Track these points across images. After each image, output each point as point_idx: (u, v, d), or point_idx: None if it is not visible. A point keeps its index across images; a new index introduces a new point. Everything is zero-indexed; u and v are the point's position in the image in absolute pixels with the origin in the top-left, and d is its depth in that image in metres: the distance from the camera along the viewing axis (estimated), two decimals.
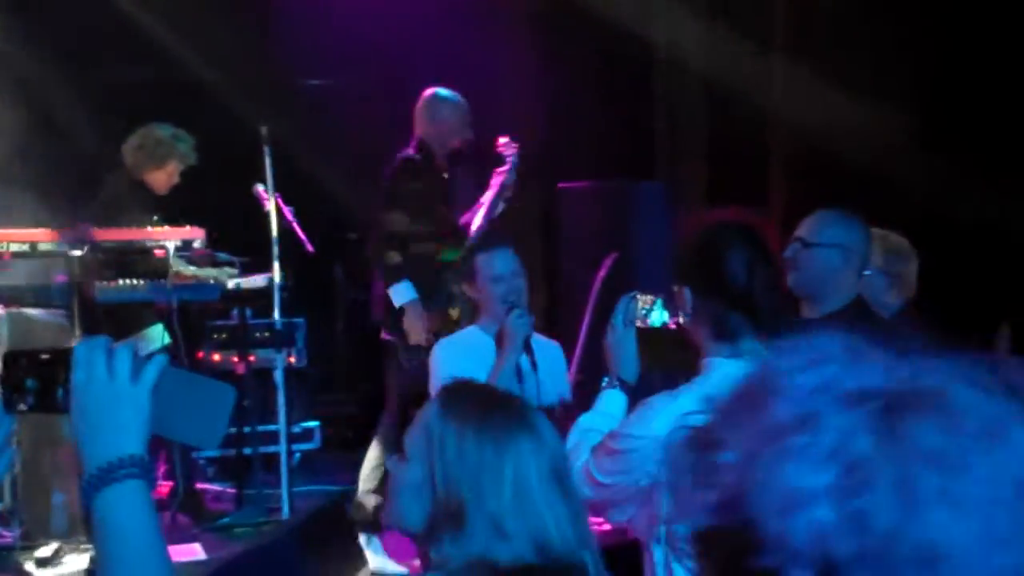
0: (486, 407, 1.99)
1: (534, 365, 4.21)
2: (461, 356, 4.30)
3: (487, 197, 5.94)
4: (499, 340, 4.29)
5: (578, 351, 6.01)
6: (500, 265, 4.37)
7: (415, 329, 5.49)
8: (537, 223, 7.96)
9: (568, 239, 7.33)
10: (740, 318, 2.64)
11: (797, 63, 7.14)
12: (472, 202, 6.04)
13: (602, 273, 6.18)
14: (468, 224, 5.88)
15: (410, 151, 5.79)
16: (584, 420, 2.96)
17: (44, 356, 1.62)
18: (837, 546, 0.79)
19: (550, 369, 4.43)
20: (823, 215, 3.74)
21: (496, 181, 5.96)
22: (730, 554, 0.84)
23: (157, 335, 5.99)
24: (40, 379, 1.61)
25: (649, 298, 2.99)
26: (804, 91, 7.00)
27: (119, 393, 1.55)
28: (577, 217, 7.06)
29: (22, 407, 1.61)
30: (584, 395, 3.58)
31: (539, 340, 4.47)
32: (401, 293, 5.50)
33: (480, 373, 3.93)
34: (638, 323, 2.98)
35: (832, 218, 3.72)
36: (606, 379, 2.99)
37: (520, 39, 8.23)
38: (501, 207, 5.99)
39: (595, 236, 6.95)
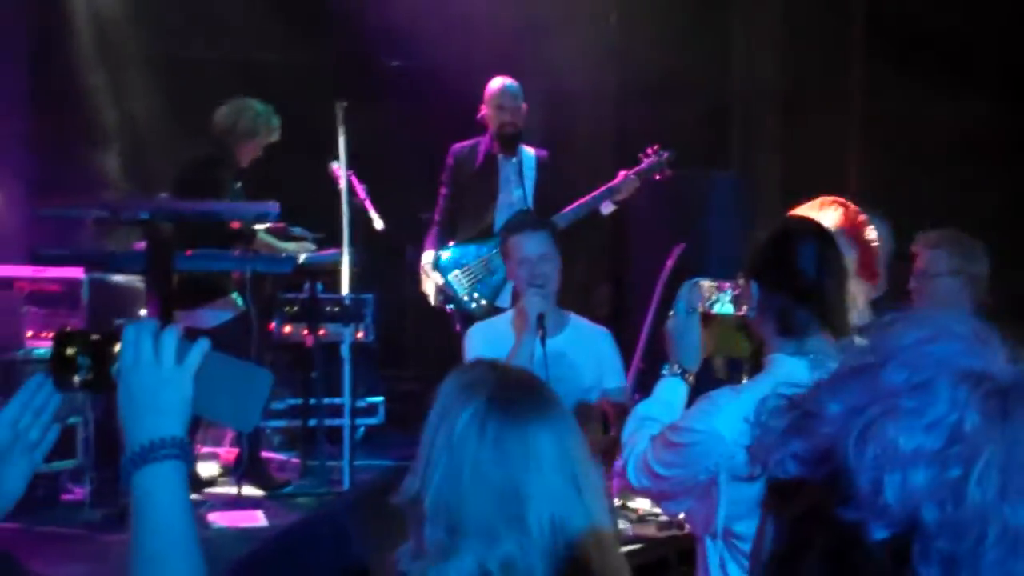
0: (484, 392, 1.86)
1: (543, 342, 4.10)
2: (490, 339, 4.30)
3: (596, 192, 6.23)
4: (518, 320, 4.29)
5: (642, 341, 6.02)
6: (528, 247, 4.30)
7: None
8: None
9: (637, 229, 7.31)
10: (807, 314, 2.61)
11: (876, 51, 7.06)
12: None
13: (669, 264, 6.17)
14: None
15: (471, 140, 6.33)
16: (642, 408, 2.92)
17: (95, 336, 1.69)
18: (926, 510, 0.81)
19: (590, 354, 4.39)
20: (940, 240, 3.90)
21: (620, 177, 6.18)
22: (812, 506, 0.85)
23: (231, 302, 6.11)
24: (92, 357, 1.68)
25: (713, 284, 2.95)
26: (882, 80, 6.92)
27: (164, 376, 1.61)
28: (647, 207, 7.04)
29: (75, 383, 1.68)
30: (647, 384, 3.59)
31: (582, 325, 4.48)
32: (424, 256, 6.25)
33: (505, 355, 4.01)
34: (700, 309, 2.92)
35: (951, 244, 3.88)
36: (666, 366, 2.94)
37: (594, 24, 8.22)
38: (610, 208, 6.27)
39: (665, 226, 6.93)
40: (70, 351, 1.69)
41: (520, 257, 4.28)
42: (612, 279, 8.25)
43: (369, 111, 6.89)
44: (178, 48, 7.58)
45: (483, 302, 6.10)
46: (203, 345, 1.66)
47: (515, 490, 1.76)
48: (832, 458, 0.85)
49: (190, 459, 1.62)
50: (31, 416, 1.70)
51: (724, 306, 2.92)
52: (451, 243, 6.26)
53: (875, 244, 3.37)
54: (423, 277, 6.29)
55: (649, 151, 6.36)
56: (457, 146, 6.40)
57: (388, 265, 7.39)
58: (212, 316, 6.05)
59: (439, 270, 6.19)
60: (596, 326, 4.57)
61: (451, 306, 6.18)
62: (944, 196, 6.21)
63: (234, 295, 6.10)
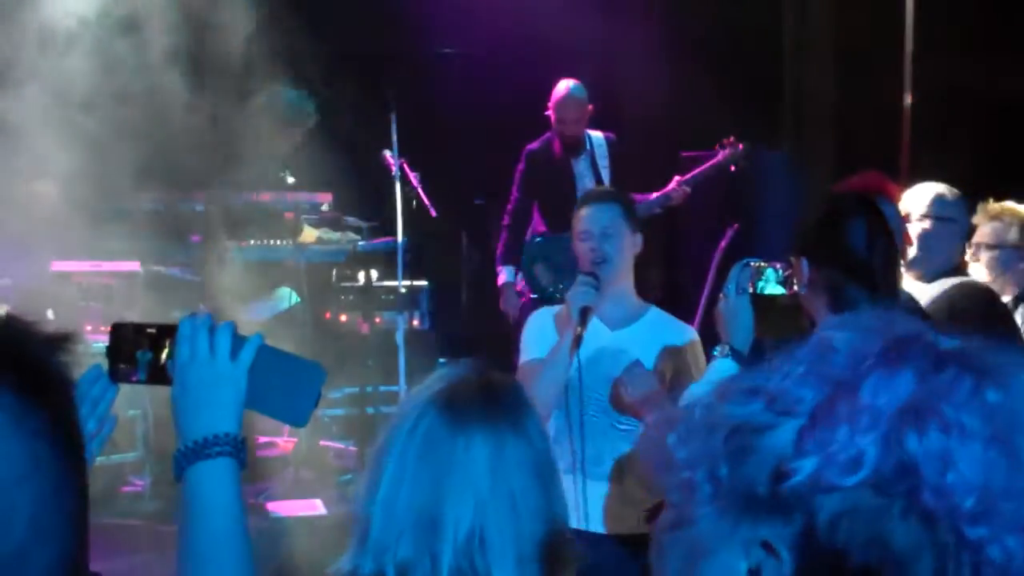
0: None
1: (577, 343, 3.45)
2: (537, 332, 3.76)
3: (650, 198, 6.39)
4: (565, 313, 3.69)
5: (696, 323, 5.99)
6: (588, 219, 3.75)
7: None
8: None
9: (690, 210, 7.27)
10: (858, 289, 2.62)
11: (930, 26, 6.95)
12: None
13: (723, 244, 6.14)
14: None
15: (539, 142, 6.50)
16: (694, 389, 2.91)
17: (150, 329, 1.71)
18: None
19: (660, 356, 3.65)
20: (925, 188, 3.96)
21: (673, 184, 6.25)
22: (877, 508, 0.84)
23: (285, 295, 6.16)
24: (151, 351, 1.69)
25: (763, 265, 2.94)
26: (936, 55, 6.82)
27: (219, 372, 1.63)
28: (699, 187, 7.00)
29: (134, 379, 1.71)
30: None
31: (661, 320, 3.78)
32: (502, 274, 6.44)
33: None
34: (751, 290, 2.93)
35: (935, 191, 3.95)
36: (717, 348, 2.94)
37: (643, 4, 8.16)
38: (669, 201, 6.45)
39: (718, 206, 6.89)
40: (125, 345, 1.70)
41: (580, 230, 3.76)
42: (665, 261, 8.21)
43: (421, 99, 6.90)
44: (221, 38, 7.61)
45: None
46: (256, 341, 1.67)
47: (435, 492, 1.64)
48: (865, 459, 0.83)
49: (243, 456, 1.62)
50: (88, 407, 1.70)
51: (774, 287, 2.92)
52: (538, 237, 6.44)
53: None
54: (504, 295, 6.47)
55: (726, 142, 6.40)
56: (530, 147, 6.52)
57: (442, 252, 7.40)
58: (267, 307, 6.10)
59: (524, 261, 6.29)
60: (682, 325, 3.83)
61: (536, 295, 6.26)
62: (1001, 168, 6.11)
63: (285, 289, 6.14)
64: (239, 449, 1.61)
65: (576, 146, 6.42)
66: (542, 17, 7.63)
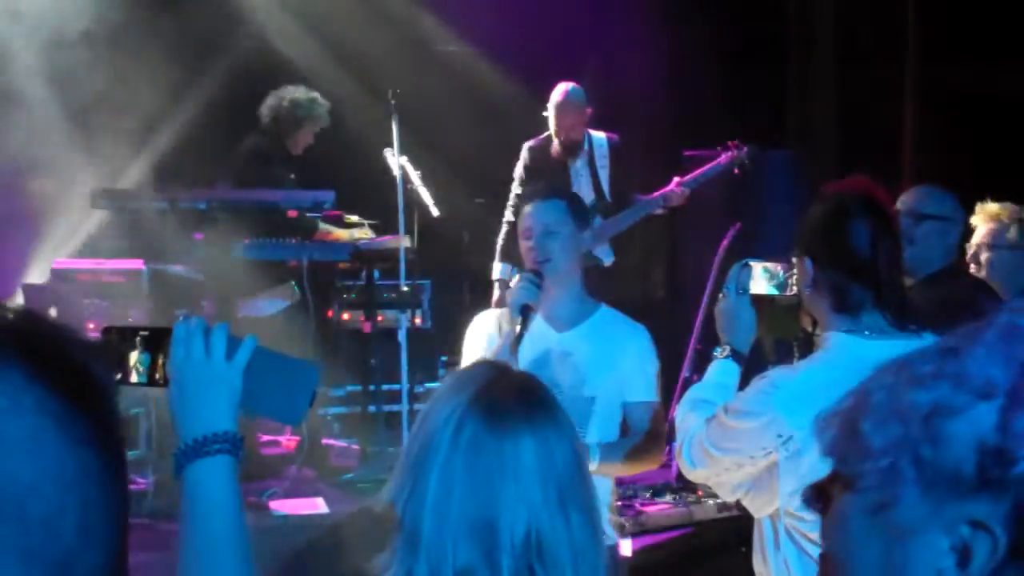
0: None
1: (517, 343, 3.33)
2: (478, 333, 3.64)
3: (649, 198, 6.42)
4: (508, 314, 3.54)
5: (698, 322, 6.00)
6: (530, 217, 3.59)
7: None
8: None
9: (692, 209, 7.28)
10: (862, 290, 2.61)
11: (932, 27, 6.96)
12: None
13: (725, 243, 6.14)
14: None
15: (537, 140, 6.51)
16: (695, 390, 2.90)
17: (143, 332, 1.74)
18: None
19: (610, 357, 3.51)
20: (917, 188, 4.06)
21: (672, 185, 6.26)
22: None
23: (288, 292, 6.17)
24: (148, 353, 1.73)
25: (763, 266, 2.93)
26: (938, 55, 6.82)
27: (215, 372, 1.67)
28: (702, 186, 7.01)
29: (132, 381, 1.74)
30: (703, 365, 3.57)
31: (609, 319, 3.64)
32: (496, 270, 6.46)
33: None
34: (751, 291, 2.90)
35: (931, 192, 4.03)
36: (717, 348, 2.93)
37: (648, 3, 8.17)
38: (660, 211, 6.42)
39: (720, 206, 6.89)
40: (117, 348, 1.74)
41: (523, 228, 3.60)
42: (668, 260, 8.23)
43: (422, 98, 6.90)
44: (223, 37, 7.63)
45: None
46: (251, 342, 1.71)
47: (487, 497, 1.63)
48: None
49: (241, 453, 1.66)
50: None
51: (774, 288, 2.91)
52: None
53: None
54: (495, 290, 6.45)
55: (730, 144, 6.39)
56: (530, 144, 6.53)
57: (444, 250, 7.41)
58: (270, 304, 6.11)
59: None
60: (631, 323, 3.67)
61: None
62: (1002, 169, 6.12)
63: (291, 283, 6.16)
64: (237, 447, 1.65)
65: (574, 149, 6.44)
66: (546, 15, 7.64)
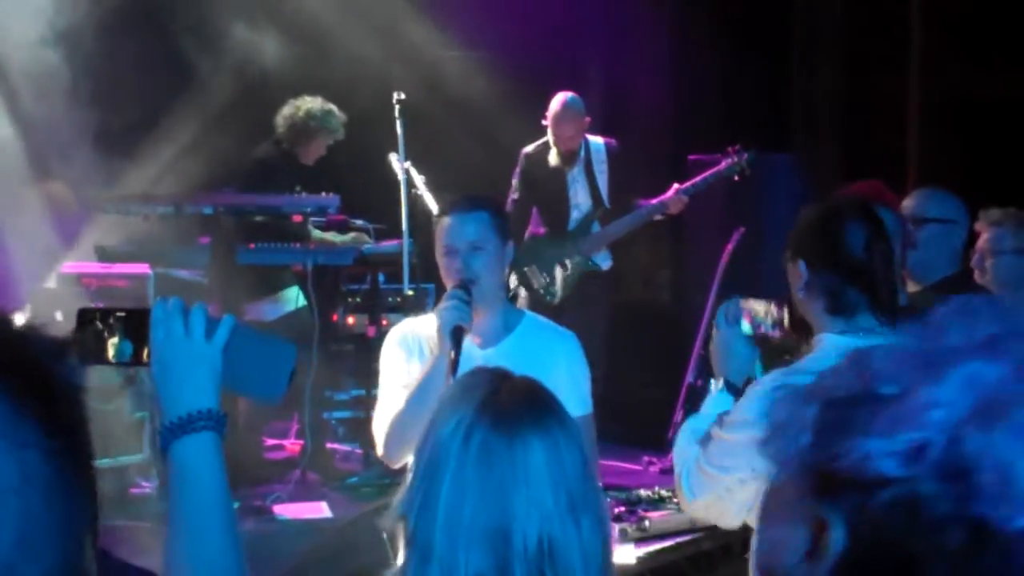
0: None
1: (453, 368, 3.05)
2: (406, 346, 3.32)
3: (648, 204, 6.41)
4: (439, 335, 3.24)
5: (703, 326, 6.01)
6: (451, 233, 3.28)
7: None
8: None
9: (697, 213, 7.28)
10: (857, 293, 2.61)
11: (936, 33, 6.96)
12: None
13: (729, 247, 6.15)
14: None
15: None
16: (692, 422, 2.86)
17: (120, 313, 1.76)
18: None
19: (539, 368, 3.06)
20: (1004, 218, 4.07)
21: (671, 192, 6.29)
22: (909, 500, 0.81)
23: (292, 296, 6.19)
24: (126, 335, 1.75)
25: (754, 304, 2.89)
26: (941, 58, 6.83)
27: (195, 351, 1.70)
28: (707, 191, 7.01)
29: (114, 361, 1.77)
30: (708, 371, 3.56)
31: (537, 329, 3.41)
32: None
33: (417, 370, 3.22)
34: (746, 329, 2.87)
35: (933, 194, 4.02)
36: (712, 381, 2.90)
37: (652, 7, 8.17)
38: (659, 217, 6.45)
39: (725, 210, 6.90)
40: (94, 328, 1.76)
41: (444, 244, 3.29)
42: (673, 264, 8.23)
43: (426, 102, 6.92)
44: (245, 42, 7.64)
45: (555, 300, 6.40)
46: (229, 321, 1.74)
47: (500, 504, 1.62)
48: (935, 449, 0.81)
49: (223, 430, 1.69)
50: None
51: (767, 327, 2.89)
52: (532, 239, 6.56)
53: None
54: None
55: (730, 150, 6.38)
56: (526, 150, 6.57)
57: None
58: (274, 309, 6.13)
59: (517, 262, 6.38)
60: (559, 330, 3.46)
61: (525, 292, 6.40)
62: (1006, 174, 6.12)
63: (295, 288, 6.17)
64: (220, 423, 1.69)
65: (571, 158, 6.47)
66: (549, 20, 7.65)
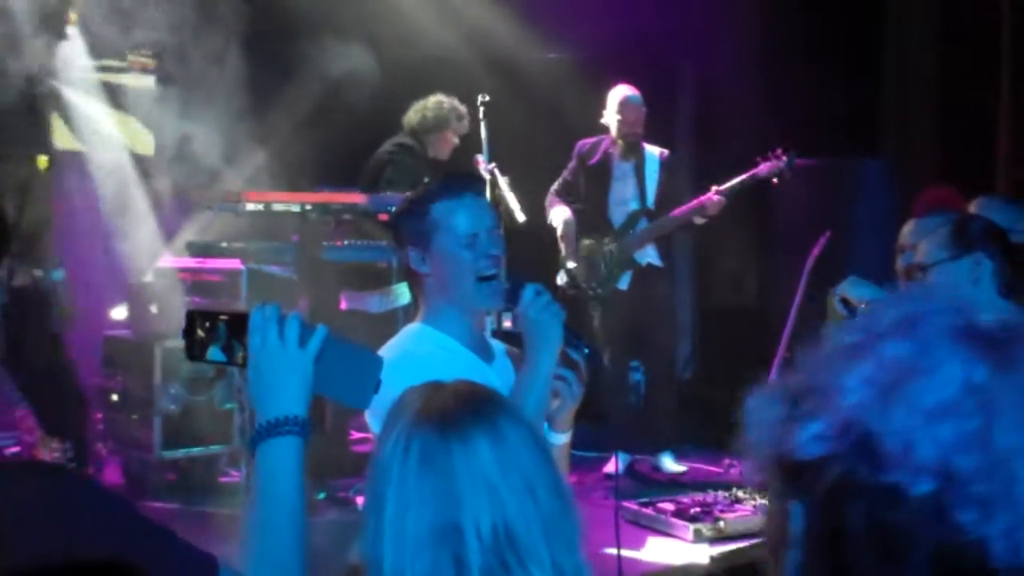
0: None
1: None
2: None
3: (686, 208, 6.51)
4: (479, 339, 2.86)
5: (786, 331, 5.98)
6: (467, 218, 2.78)
7: None
8: (752, 201, 7.90)
9: (785, 217, 7.25)
10: None
11: None
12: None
13: (815, 252, 6.11)
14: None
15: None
16: None
17: (223, 317, 1.87)
18: (958, 460, 0.86)
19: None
20: (981, 200, 4.16)
21: (710, 195, 6.38)
22: (841, 478, 0.89)
23: (403, 291, 6.28)
24: (230, 338, 1.86)
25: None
26: None
27: (288, 359, 1.80)
28: (794, 195, 6.97)
29: (214, 361, 1.89)
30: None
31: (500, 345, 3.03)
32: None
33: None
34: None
35: (988, 202, 4.14)
36: None
37: (743, 10, 8.14)
38: (700, 220, 6.51)
39: (812, 215, 6.85)
40: (203, 328, 1.88)
41: (462, 234, 2.77)
42: (759, 267, 8.19)
43: (512, 104, 6.99)
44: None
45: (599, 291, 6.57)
46: (322, 331, 1.83)
47: (445, 502, 1.57)
48: (854, 429, 0.89)
49: (308, 436, 1.80)
50: None
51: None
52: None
53: None
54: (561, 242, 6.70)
55: (771, 154, 6.39)
56: (581, 142, 6.82)
57: (530, 256, 7.46)
58: (382, 301, 6.25)
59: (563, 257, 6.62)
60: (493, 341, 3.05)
61: (572, 291, 6.50)
62: None
63: (403, 285, 6.25)
64: (305, 429, 1.79)
65: (634, 148, 6.65)
66: (640, 21, 7.67)
